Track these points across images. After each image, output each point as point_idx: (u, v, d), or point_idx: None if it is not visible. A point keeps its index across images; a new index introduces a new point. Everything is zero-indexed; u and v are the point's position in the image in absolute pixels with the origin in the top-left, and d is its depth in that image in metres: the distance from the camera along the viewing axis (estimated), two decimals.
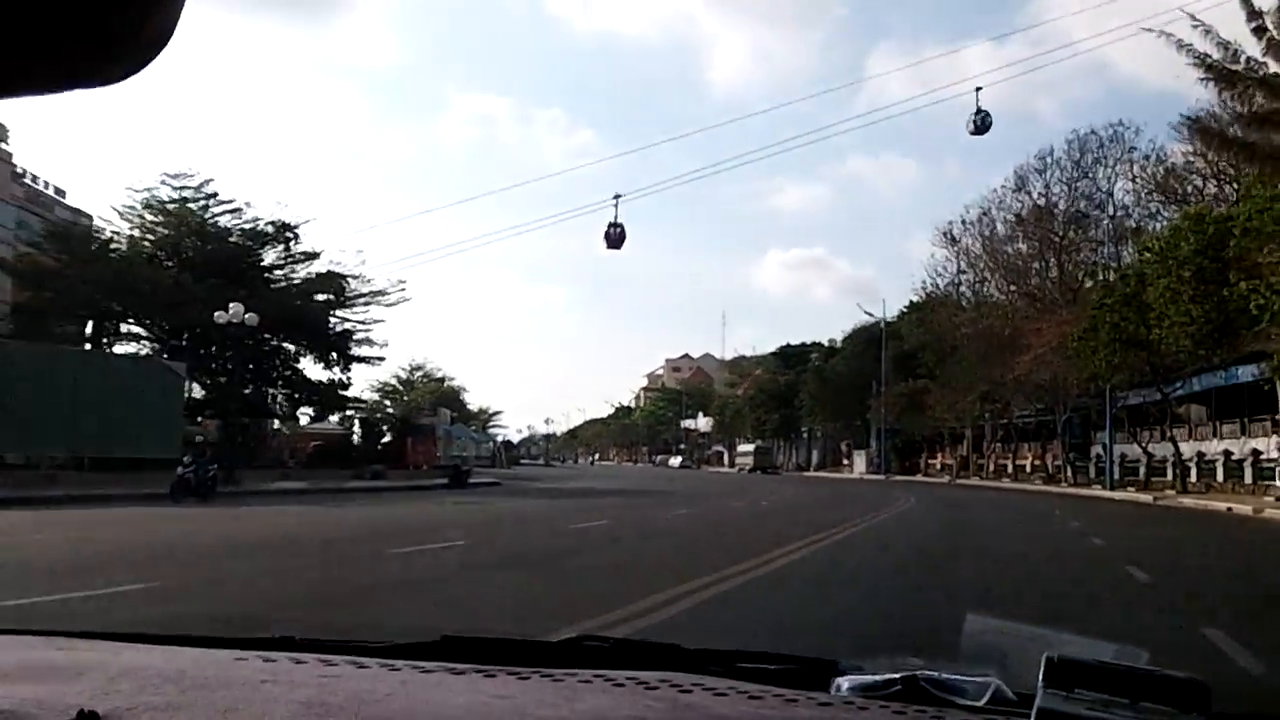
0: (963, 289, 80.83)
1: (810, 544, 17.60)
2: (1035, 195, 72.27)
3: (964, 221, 77.82)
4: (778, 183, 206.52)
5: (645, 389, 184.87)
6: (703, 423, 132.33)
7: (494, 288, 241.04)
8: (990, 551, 17.91)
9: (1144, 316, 42.81)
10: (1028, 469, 66.99)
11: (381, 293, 53.56)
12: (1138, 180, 64.80)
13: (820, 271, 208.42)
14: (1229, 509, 33.56)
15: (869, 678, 1.50)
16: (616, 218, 34.95)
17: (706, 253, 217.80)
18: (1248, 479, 42.60)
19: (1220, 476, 44.81)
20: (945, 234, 78.98)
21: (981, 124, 33.10)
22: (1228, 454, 44.79)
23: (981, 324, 70.97)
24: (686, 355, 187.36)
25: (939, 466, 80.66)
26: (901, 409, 79.08)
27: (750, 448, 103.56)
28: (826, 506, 32.53)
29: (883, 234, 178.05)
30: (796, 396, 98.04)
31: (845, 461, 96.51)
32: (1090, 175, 67.60)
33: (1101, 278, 50.38)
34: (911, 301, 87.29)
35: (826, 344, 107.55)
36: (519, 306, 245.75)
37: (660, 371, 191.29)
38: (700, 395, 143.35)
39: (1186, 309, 38.31)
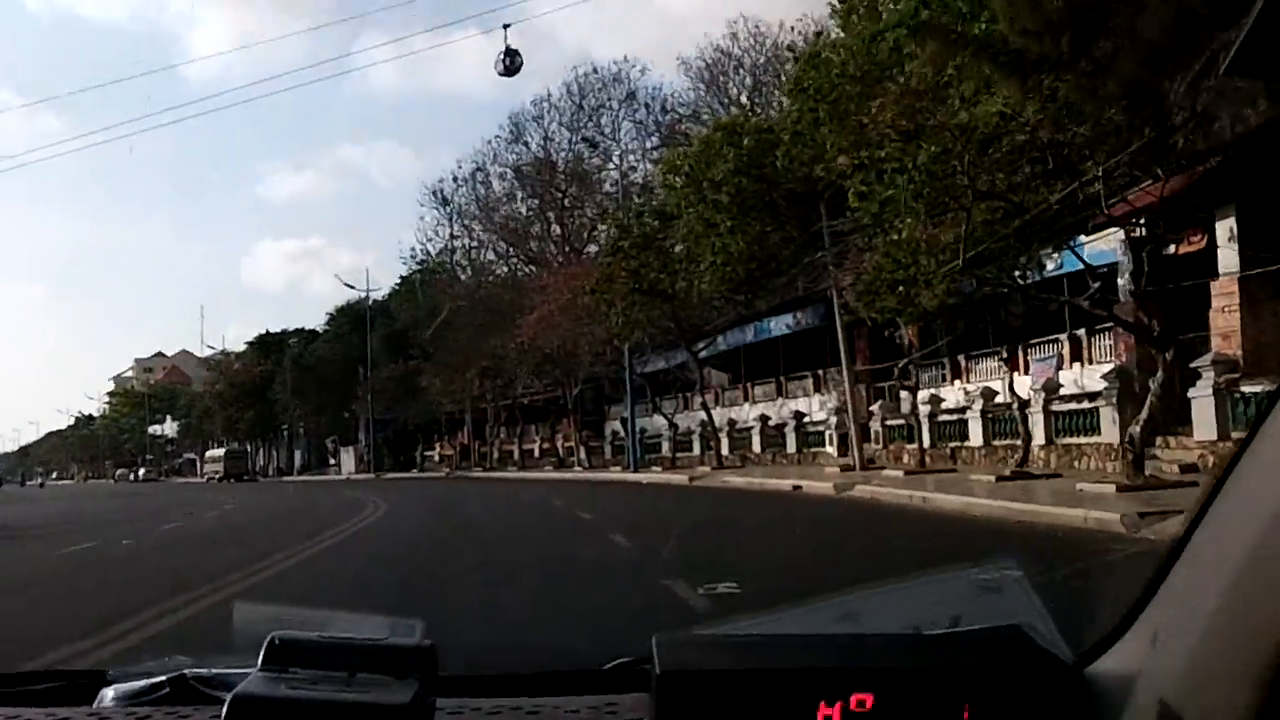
0: (458, 257, 71.12)
1: None
2: (534, 146, 63.98)
3: (456, 179, 68.10)
4: (267, 171, 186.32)
5: (110, 394, 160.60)
6: (170, 427, 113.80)
7: None
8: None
9: (667, 261, 34.70)
10: (536, 454, 58.32)
11: None
12: (643, 125, 58.12)
13: (318, 262, 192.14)
14: (797, 487, 25.54)
15: (136, 684, 1.45)
16: None
17: (191, 246, 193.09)
18: (790, 447, 35.63)
19: (757, 446, 37.68)
20: (435, 193, 68.85)
21: (511, 64, 31.25)
22: (764, 420, 37.75)
23: (479, 293, 61.87)
24: (160, 354, 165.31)
25: (438, 458, 70.48)
26: (393, 395, 68.09)
27: (220, 453, 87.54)
28: (243, 539, 20.70)
29: (383, 223, 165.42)
30: (272, 389, 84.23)
31: (333, 461, 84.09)
32: (595, 119, 59.83)
33: (619, 219, 41.30)
34: (403, 276, 76.09)
35: (309, 330, 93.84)
36: None
37: (130, 373, 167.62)
38: (170, 397, 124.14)
39: (724, 244, 30.21)
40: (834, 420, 32.07)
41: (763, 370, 39.88)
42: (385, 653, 1.15)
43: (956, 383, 29.25)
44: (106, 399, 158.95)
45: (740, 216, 29.79)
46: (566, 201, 63.06)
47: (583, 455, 48.46)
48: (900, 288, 20.47)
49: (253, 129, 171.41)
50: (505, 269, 66.89)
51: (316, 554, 15.84)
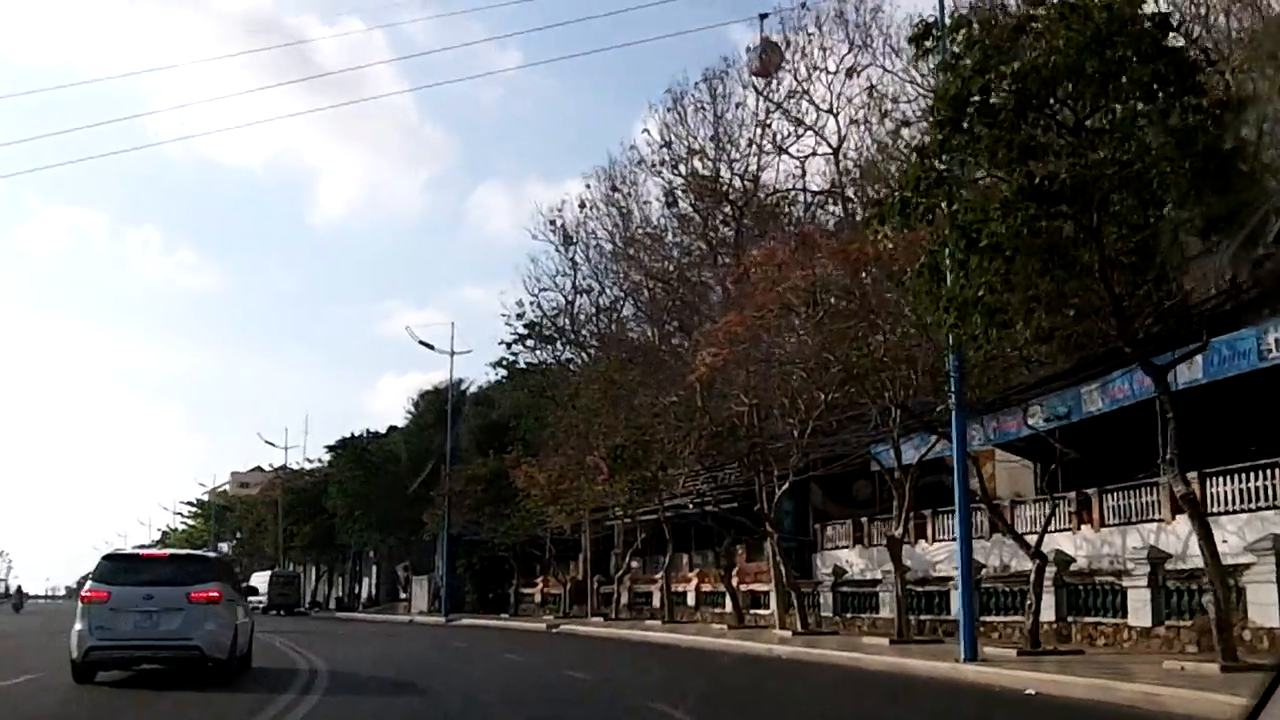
0: (581, 315, 50.00)
1: None
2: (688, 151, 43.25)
3: (583, 204, 47.27)
4: (389, 308, 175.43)
5: (187, 503, 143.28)
6: (226, 546, 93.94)
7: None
8: None
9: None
10: (692, 599, 36.28)
11: None
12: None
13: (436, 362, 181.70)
14: None
15: None
16: None
17: (321, 377, 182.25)
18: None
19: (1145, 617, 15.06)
20: (553, 224, 48.09)
21: (767, 60, 28.74)
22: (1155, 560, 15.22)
23: (616, 353, 41.63)
24: (258, 468, 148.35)
25: (539, 598, 48.72)
26: (480, 502, 46.98)
27: (265, 576, 66.50)
28: None
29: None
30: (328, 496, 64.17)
31: (404, 594, 63.15)
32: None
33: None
34: (506, 343, 54.67)
35: (392, 427, 73.14)
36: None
37: (226, 487, 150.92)
38: (246, 508, 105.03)
39: None
40: None
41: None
42: None
43: None
44: (179, 513, 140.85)
45: None
46: (741, 235, 42.10)
47: (792, 607, 26.33)
48: None
49: (375, 266, 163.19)
50: (651, 331, 46.04)
51: None
